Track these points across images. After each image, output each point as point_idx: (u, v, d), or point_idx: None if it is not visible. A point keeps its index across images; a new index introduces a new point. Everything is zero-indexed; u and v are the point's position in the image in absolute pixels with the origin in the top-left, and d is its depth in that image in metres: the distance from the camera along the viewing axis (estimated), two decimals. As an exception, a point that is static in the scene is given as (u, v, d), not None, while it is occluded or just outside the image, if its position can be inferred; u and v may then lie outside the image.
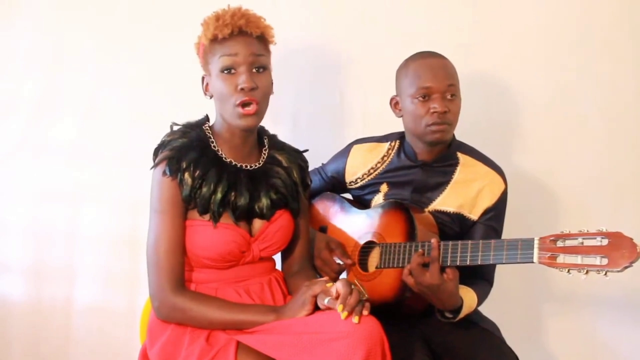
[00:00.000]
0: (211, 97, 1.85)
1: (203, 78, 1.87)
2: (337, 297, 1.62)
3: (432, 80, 1.98)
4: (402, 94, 2.06)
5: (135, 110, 2.62)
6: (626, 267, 1.55)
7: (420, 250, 1.84)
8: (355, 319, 1.57)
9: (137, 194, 2.50)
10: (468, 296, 1.90)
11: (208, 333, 1.75)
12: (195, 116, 1.93)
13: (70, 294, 2.64)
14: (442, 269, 1.80)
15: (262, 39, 1.82)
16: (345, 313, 1.58)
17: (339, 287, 1.64)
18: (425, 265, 1.82)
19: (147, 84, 2.61)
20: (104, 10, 2.61)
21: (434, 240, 1.81)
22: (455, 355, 1.94)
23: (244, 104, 1.76)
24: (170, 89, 2.58)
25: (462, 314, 1.89)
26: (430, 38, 2.47)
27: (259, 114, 1.81)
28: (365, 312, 1.60)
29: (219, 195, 1.78)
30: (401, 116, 2.09)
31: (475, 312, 2.00)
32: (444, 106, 1.97)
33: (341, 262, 2.04)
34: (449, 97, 1.99)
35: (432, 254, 1.81)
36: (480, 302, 1.98)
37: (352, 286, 1.64)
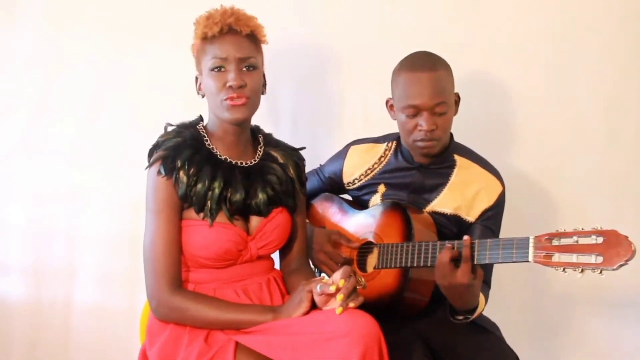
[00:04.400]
0: (203, 96, 1.86)
1: (196, 78, 1.88)
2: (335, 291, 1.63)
3: (420, 98, 1.93)
4: (394, 101, 2.05)
5: (135, 110, 2.62)
6: (621, 266, 1.54)
7: (449, 245, 1.80)
8: (338, 310, 1.59)
9: (137, 194, 2.45)
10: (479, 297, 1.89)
11: (207, 333, 1.75)
12: (194, 117, 1.93)
13: (70, 294, 2.64)
14: (473, 268, 1.76)
15: (253, 38, 1.82)
16: (341, 296, 1.60)
17: (335, 275, 1.65)
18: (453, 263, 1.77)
19: (147, 84, 2.61)
20: (104, 11, 2.61)
21: (466, 238, 1.77)
22: (455, 355, 1.93)
23: (230, 100, 1.78)
24: (171, 89, 2.58)
25: (475, 315, 1.88)
26: (429, 37, 2.47)
27: (248, 106, 1.81)
28: (352, 305, 1.61)
29: (215, 192, 1.78)
30: (396, 119, 2.08)
31: (476, 312, 2.00)
32: (431, 124, 1.94)
33: (344, 256, 2.05)
34: (438, 113, 1.95)
35: (464, 252, 1.75)
36: (485, 304, 1.98)
37: (352, 274, 1.65)
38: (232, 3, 1.85)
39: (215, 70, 1.79)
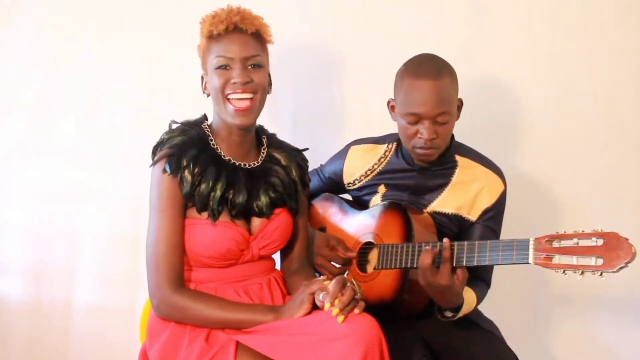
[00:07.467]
0: (209, 95, 1.86)
1: (202, 77, 1.88)
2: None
3: (422, 106, 1.91)
4: (396, 104, 2.03)
5: (136, 110, 2.62)
6: (621, 268, 1.54)
7: (428, 247, 1.81)
8: (340, 318, 1.58)
9: (137, 194, 2.50)
10: (468, 295, 1.89)
11: (207, 333, 1.75)
12: (194, 116, 1.93)
13: (70, 294, 2.64)
14: (453, 269, 1.77)
15: (258, 37, 1.83)
16: (337, 310, 1.59)
17: (332, 284, 1.65)
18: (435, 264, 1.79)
19: (148, 83, 2.62)
20: (105, 11, 2.61)
21: (446, 240, 1.78)
22: (455, 356, 1.94)
23: (236, 100, 1.78)
24: (171, 89, 2.59)
25: (461, 313, 1.88)
26: (431, 38, 2.47)
27: (253, 110, 1.82)
28: (356, 311, 1.61)
29: (217, 193, 1.78)
30: (396, 120, 2.07)
31: (475, 312, 2.00)
32: (432, 133, 1.92)
33: (343, 257, 2.04)
34: (439, 122, 1.93)
35: (444, 254, 1.77)
36: (478, 303, 1.98)
37: (347, 284, 1.65)
38: (235, 2, 1.85)
39: (221, 68, 1.79)
